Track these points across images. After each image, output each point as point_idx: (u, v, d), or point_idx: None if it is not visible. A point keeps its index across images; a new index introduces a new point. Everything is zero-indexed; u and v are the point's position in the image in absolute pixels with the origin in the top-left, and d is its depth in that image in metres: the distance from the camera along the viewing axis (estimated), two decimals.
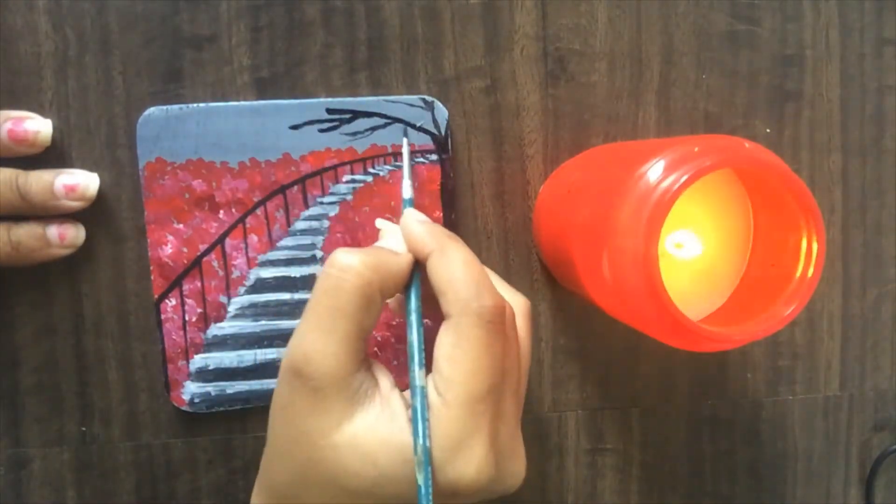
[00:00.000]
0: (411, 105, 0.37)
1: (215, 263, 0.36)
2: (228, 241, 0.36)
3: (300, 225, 0.37)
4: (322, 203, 0.37)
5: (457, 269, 0.27)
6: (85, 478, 0.37)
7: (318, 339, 0.26)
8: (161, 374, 0.36)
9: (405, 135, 0.36)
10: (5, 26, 0.35)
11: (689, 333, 0.27)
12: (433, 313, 0.28)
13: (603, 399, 0.40)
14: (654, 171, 0.27)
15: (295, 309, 0.37)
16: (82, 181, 0.34)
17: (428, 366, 0.27)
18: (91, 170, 0.35)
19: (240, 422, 0.38)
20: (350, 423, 0.26)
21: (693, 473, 0.41)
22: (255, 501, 0.29)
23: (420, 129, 0.37)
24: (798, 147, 0.40)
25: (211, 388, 0.36)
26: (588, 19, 0.38)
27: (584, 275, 0.30)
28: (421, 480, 0.25)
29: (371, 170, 0.37)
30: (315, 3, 0.36)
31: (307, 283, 0.37)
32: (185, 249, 0.36)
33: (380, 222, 0.34)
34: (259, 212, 0.36)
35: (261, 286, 0.37)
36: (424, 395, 0.26)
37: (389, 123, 0.36)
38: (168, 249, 0.36)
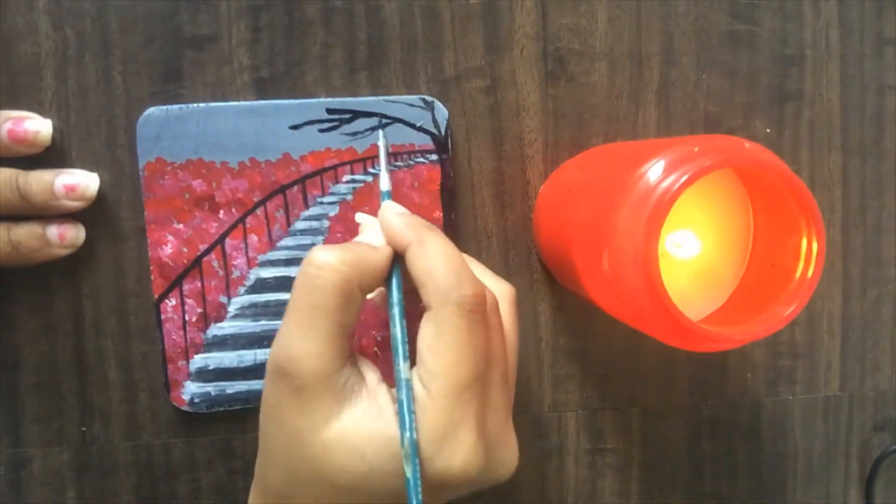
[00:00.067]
0: (411, 105, 0.37)
1: (215, 263, 0.36)
2: (228, 241, 0.36)
3: (300, 225, 0.37)
4: (322, 203, 0.37)
5: (436, 259, 0.27)
6: (85, 478, 0.37)
7: (300, 338, 0.26)
8: (161, 374, 0.36)
9: (381, 127, 0.36)
10: (5, 26, 0.35)
11: (689, 333, 0.27)
12: (416, 306, 0.28)
13: (603, 399, 0.40)
14: (654, 171, 0.27)
15: None
16: (82, 181, 0.34)
17: (413, 359, 0.27)
18: (91, 170, 0.35)
19: (240, 422, 0.38)
20: (338, 419, 0.26)
21: (693, 473, 0.41)
22: (252, 501, 0.29)
23: (420, 129, 0.37)
24: (798, 147, 0.40)
25: (211, 388, 0.37)
26: (588, 19, 0.38)
27: (584, 275, 0.30)
28: (409, 473, 0.25)
29: (371, 170, 0.37)
30: (315, 3, 0.36)
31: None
32: (185, 249, 0.36)
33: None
34: (259, 212, 0.36)
35: (261, 286, 0.37)
36: (410, 388, 0.26)
37: (389, 123, 0.36)
38: (168, 249, 0.36)
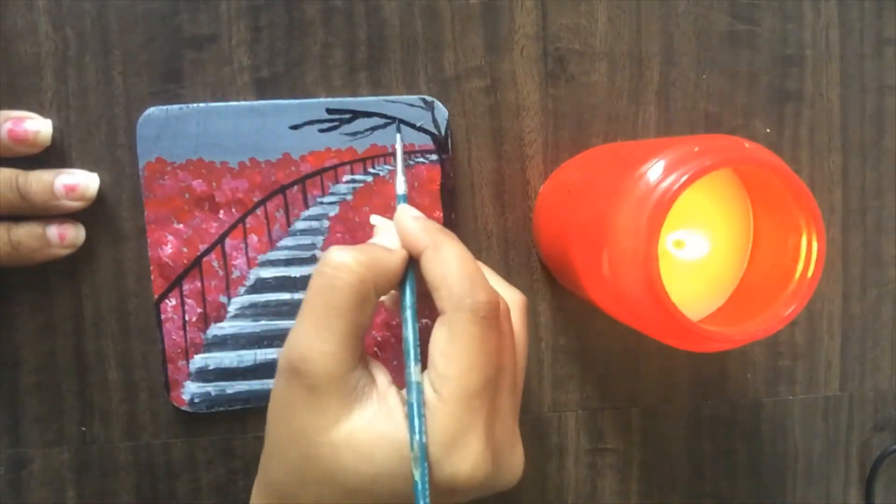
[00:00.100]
0: (411, 105, 0.37)
1: (215, 263, 0.36)
2: (228, 241, 0.36)
3: (300, 225, 0.37)
4: (322, 203, 0.37)
5: (451, 265, 0.27)
6: (85, 478, 0.37)
7: (313, 337, 0.26)
8: (161, 374, 0.36)
9: (398, 130, 0.36)
10: (5, 26, 0.35)
11: (689, 333, 0.27)
12: (429, 310, 0.28)
13: (603, 399, 0.40)
14: (654, 171, 0.27)
15: (295, 309, 0.37)
16: (82, 181, 0.34)
17: (424, 363, 0.27)
18: (91, 170, 0.35)
19: (240, 422, 0.38)
20: (347, 420, 0.26)
21: (693, 473, 0.41)
22: (254, 500, 0.29)
23: (420, 129, 0.37)
24: (798, 147, 0.40)
25: (211, 388, 0.37)
26: (588, 19, 0.38)
27: (584, 275, 0.30)
28: (417, 476, 0.25)
29: (371, 170, 0.37)
30: (315, 3, 0.36)
31: (307, 283, 0.37)
32: (185, 249, 0.36)
33: (374, 218, 0.34)
34: (259, 212, 0.36)
35: (261, 286, 0.37)
36: (420, 392, 0.26)
37: (389, 123, 0.36)
38: (168, 249, 0.36)
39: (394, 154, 0.36)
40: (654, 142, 0.33)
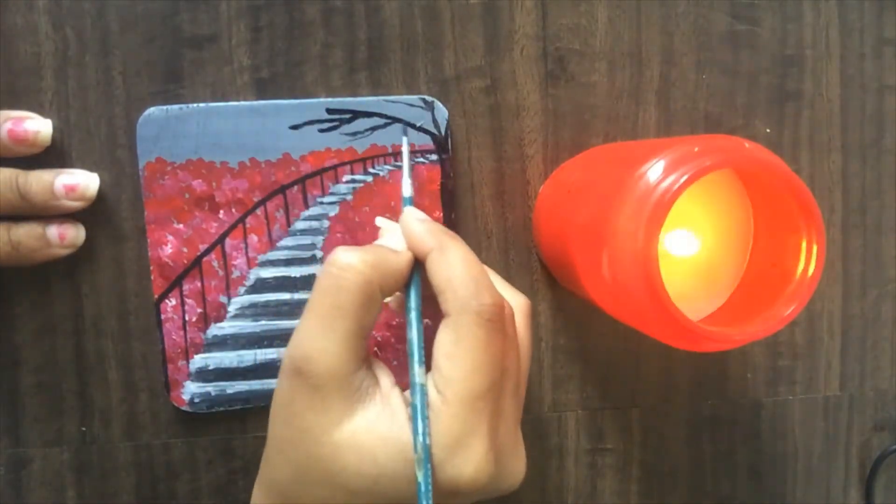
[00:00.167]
0: (411, 105, 0.37)
1: (215, 263, 0.36)
2: (228, 241, 0.36)
3: (300, 225, 0.37)
4: (322, 203, 0.37)
5: (456, 267, 0.27)
6: (85, 478, 0.37)
7: (318, 337, 0.26)
8: (161, 374, 0.36)
9: (405, 133, 0.36)
10: (5, 26, 0.35)
11: (689, 333, 0.27)
12: (433, 312, 0.29)
13: (603, 399, 0.40)
14: (654, 171, 0.27)
15: (295, 309, 0.37)
16: (82, 181, 0.34)
17: (428, 364, 0.27)
18: (91, 170, 0.35)
19: (240, 422, 0.38)
20: (350, 421, 0.26)
21: (693, 473, 0.41)
22: (255, 500, 0.29)
23: (420, 129, 0.37)
24: (798, 147, 0.40)
25: (211, 388, 0.36)
26: (588, 19, 0.38)
27: (584, 275, 0.30)
28: (421, 478, 0.25)
29: (371, 170, 0.37)
30: (315, 3, 0.36)
31: (307, 283, 0.37)
32: (185, 249, 0.36)
33: (380, 220, 0.34)
34: (259, 212, 0.36)
35: (261, 286, 0.37)
36: (424, 393, 0.26)
37: (389, 123, 0.36)
38: (168, 249, 0.36)
39: (399, 155, 0.36)
40: (654, 142, 0.33)
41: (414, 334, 0.28)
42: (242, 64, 0.36)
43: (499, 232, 0.39)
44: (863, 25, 0.40)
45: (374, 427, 0.26)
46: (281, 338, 0.37)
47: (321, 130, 0.36)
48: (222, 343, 0.36)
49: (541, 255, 0.39)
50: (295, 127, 0.36)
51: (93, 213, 0.35)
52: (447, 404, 0.26)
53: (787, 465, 0.42)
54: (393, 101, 0.36)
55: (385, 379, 0.28)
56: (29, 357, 0.36)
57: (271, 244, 0.37)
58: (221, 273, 0.36)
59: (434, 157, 0.37)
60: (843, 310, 0.41)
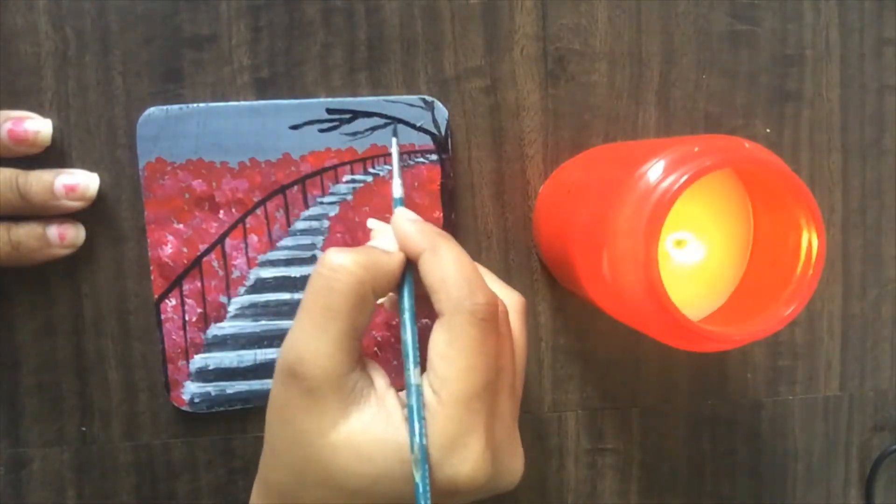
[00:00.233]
0: (411, 105, 0.37)
1: (215, 263, 0.36)
2: (228, 241, 0.36)
3: (300, 225, 0.37)
4: (322, 203, 0.37)
5: (449, 267, 0.27)
6: (85, 478, 0.37)
7: (311, 339, 0.26)
8: (161, 374, 0.36)
9: (394, 134, 0.36)
10: (5, 26, 0.35)
11: (689, 333, 0.27)
12: (429, 311, 0.29)
13: (603, 399, 0.40)
14: (654, 171, 0.27)
15: (295, 309, 0.36)
16: (82, 181, 0.34)
17: (423, 365, 0.27)
18: (91, 170, 0.35)
19: (240, 422, 0.38)
20: (346, 422, 0.26)
21: (693, 473, 0.41)
22: (254, 500, 0.29)
23: (420, 129, 0.37)
24: (798, 147, 0.40)
25: (211, 388, 0.37)
26: (588, 19, 0.38)
27: (584, 275, 0.30)
28: (418, 479, 0.25)
29: (371, 170, 0.37)
30: (315, 3, 0.36)
31: (307, 283, 0.37)
32: (185, 249, 0.36)
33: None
34: (259, 212, 0.36)
35: (261, 286, 0.37)
36: (420, 394, 0.26)
37: (389, 123, 0.37)
38: (168, 249, 0.36)
39: (391, 158, 0.36)
40: (654, 142, 0.33)
41: (408, 335, 0.28)
42: (242, 64, 0.36)
43: (499, 232, 0.39)
44: (863, 25, 0.40)
45: (370, 428, 0.26)
46: (281, 338, 0.37)
47: (321, 130, 0.36)
48: (222, 343, 0.36)
49: (541, 255, 0.39)
50: (295, 127, 0.36)
51: (93, 213, 0.35)
52: (443, 405, 0.26)
53: (787, 465, 0.42)
54: (393, 101, 0.36)
55: (380, 380, 0.28)
56: (29, 357, 0.36)
57: (271, 244, 0.37)
58: (221, 273, 0.36)
59: (434, 157, 0.37)
60: (843, 310, 0.41)
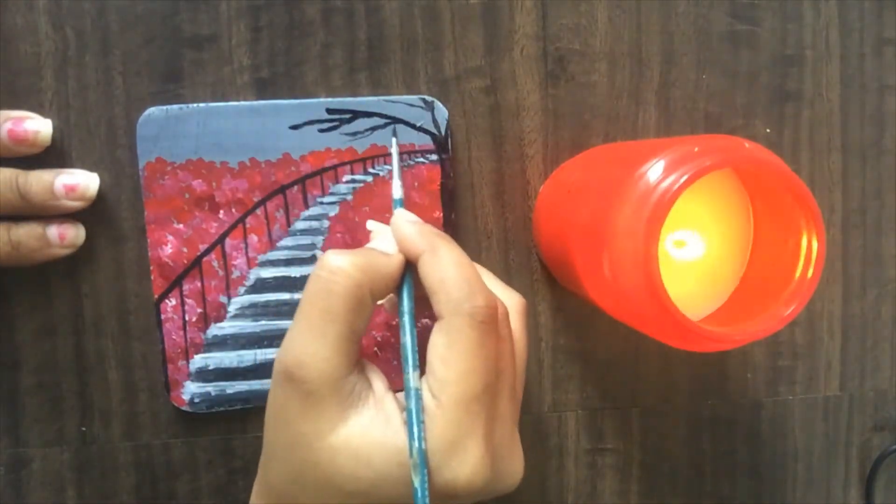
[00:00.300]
0: (411, 105, 0.37)
1: (215, 263, 0.36)
2: (228, 241, 0.36)
3: (300, 225, 0.37)
4: (322, 203, 0.37)
5: (448, 269, 0.27)
6: (85, 478, 0.37)
7: (309, 342, 0.26)
8: (161, 374, 0.36)
9: (394, 134, 0.36)
10: (5, 26, 0.35)
11: (689, 333, 0.27)
12: (428, 312, 0.28)
13: (603, 399, 0.40)
14: (654, 171, 0.27)
15: (295, 309, 0.37)
16: (82, 181, 0.34)
17: (422, 367, 0.27)
18: (91, 170, 0.35)
19: (240, 422, 0.38)
20: (344, 425, 0.26)
21: (693, 473, 0.41)
22: (254, 501, 0.29)
23: (420, 129, 0.37)
24: (798, 147, 0.40)
25: (211, 388, 0.37)
26: (588, 19, 0.38)
27: (584, 275, 0.30)
28: (417, 483, 0.25)
29: (371, 170, 0.37)
30: (315, 3, 0.36)
31: (305, 285, 0.37)
32: (185, 249, 0.36)
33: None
34: (259, 212, 0.36)
35: (261, 286, 0.37)
36: (419, 397, 0.26)
37: (389, 123, 0.36)
38: (168, 249, 0.36)
39: (391, 160, 0.36)
40: (654, 142, 0.33)
41: (407, 338, 0.27)
42: (242, 64, 0.36)
43: (499, 232, 0.39)
44: (863, 25, 0.40)
45: (369, 432, 0.26)
46: (281, 338, 0.36)
47: (321, 130, 0.36)
48: (222, 343, 0.36)
49: (541, 255, 0.39)
50: (295, 127, 0.36)
51: (93, 213, 0.35)
52: (442, 408, 0.26)
53: (787, 465, 0.42)
54: (393, 101, 0.36)
55: (378, 383, 0.28)
56: (29, 357, 0.36)
57: (271, 244, 0.37)
58: (221, 273, 0.36)
59: (434, 157, 0.37)
60: (843, 310, 0.41)
